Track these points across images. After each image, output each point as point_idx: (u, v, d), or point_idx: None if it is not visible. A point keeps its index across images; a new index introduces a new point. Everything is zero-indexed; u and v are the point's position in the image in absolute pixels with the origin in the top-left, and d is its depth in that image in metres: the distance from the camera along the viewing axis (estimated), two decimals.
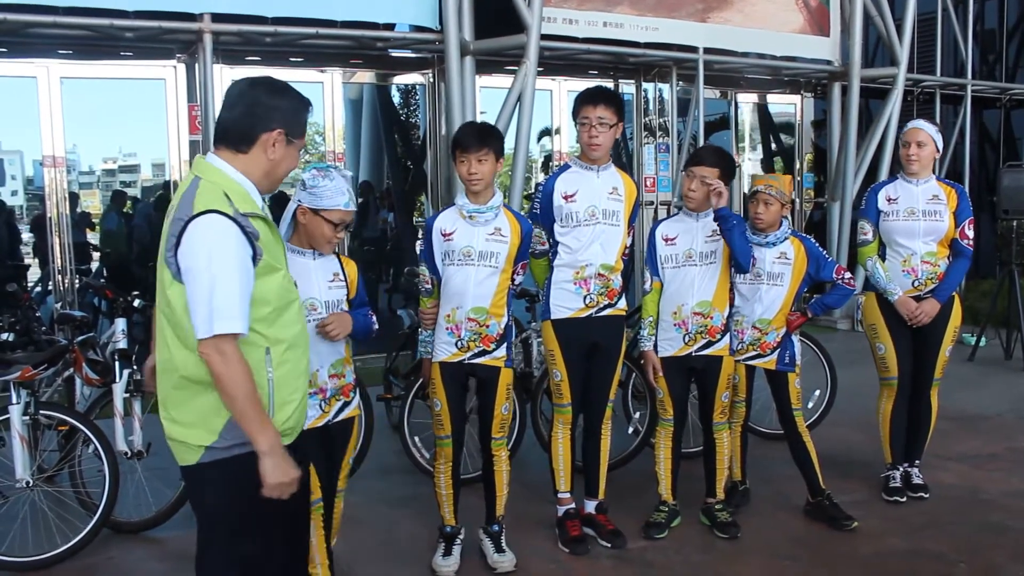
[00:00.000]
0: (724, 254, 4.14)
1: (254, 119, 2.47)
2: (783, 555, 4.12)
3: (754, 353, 4.40)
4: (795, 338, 4.46)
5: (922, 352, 4.71)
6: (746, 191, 5.51)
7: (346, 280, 3.42)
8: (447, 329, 3.81)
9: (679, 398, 4.31)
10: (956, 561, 4.01)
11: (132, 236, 9.29)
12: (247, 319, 2.38)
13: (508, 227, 3.81)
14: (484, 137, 3.74)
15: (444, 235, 3.80)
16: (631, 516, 4.42)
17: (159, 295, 2.47)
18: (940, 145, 4.67)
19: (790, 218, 4.41)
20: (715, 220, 4.04)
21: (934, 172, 4.72)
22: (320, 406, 3.31)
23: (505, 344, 3.87)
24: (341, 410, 3.38)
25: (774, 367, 4.39)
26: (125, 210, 9.41)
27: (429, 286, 3.90)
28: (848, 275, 4.41)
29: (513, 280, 3.89)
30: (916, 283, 4.59)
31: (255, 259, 2.41)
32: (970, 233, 4.58)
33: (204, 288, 2.32)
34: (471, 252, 3.75)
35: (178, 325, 2.40)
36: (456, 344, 3.80)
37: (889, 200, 4.65)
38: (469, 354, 3.82)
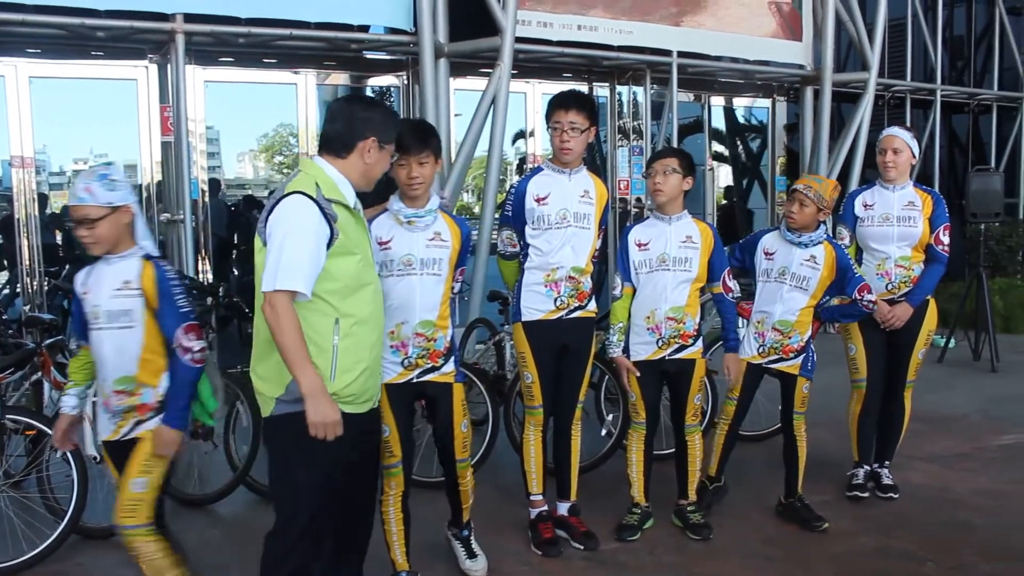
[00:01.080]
0: (699, 263, 4.17)
1: (352, 130, 2.93)
2: (756, 555, 4.15)
3: (776, 357, 4.40)
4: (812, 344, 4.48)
5: (895, 355, 4.78)
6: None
7: (141, 290, 3.03)
8: (392, 347, 3.50)
9: (652, 402, 4.32)
10: (925, 559, 4.05)
11: None
12: (310, 282, 2.77)
13: (448, 231, 3.60)
14: (425, 138, 3.49)
15: (380, 244, 3.50)
16: (604, 518, 4.44)
17: (256, 263, 2.87)
18: (916, 151, 4.75)
19: (827, 223, 4.44)
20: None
21: (910, 178, 4.79)
22: None
23: (453, 358, 3.67)
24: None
25: (797, 372, 4.40)
26: None
27: None
28: (870, 297, 4.37)
29: (452, 288, 3.70)
30: (889, 287, 4.65)
31: (332, 238, 2.82)
32: (945, 239, 4.63)
33: (275, 251, 2.75)
34: (412, 261, 3.51)
35: (259, 280, 2.80)
36: (403, 363, 3.54)
37: (865, 206, 4.71)
38: (417, 372, 3.56)
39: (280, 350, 2.75)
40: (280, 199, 2.83)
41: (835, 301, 4.48)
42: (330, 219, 2.82)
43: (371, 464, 3.28)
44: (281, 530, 2.97)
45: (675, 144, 9.45)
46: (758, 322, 4.44)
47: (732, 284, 4.27)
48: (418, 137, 3.47)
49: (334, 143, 2.96)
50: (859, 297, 4.34)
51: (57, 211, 9.67)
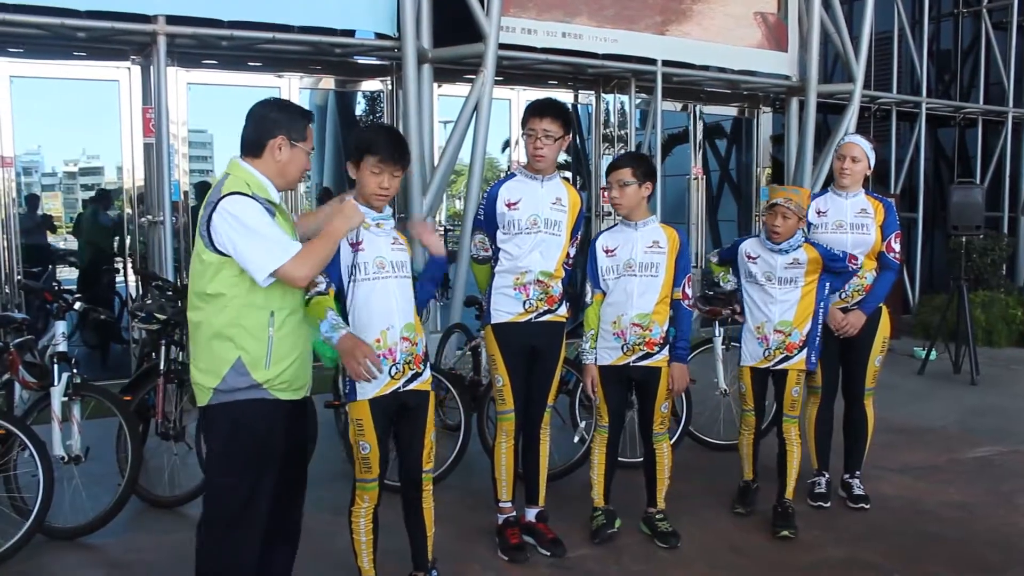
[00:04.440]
0: (666, 268, 4.16)
1: (261, 131, 3.09)
2: (722, 564, 4.14)
3: (782, 356, 4.44)
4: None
5: (852, 363, 4.80)
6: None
7: None
8: (380, 356, 3.30)
9: (615, 406, 4.32)
10: (891, 570, 4.05)
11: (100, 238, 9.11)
12: (293, 243, 2.98)
13: (399, 236, 3.49)
14: (404, 152, 3.40)
15: (352, 245, 3.33)
16: (573, 525, 4.43)
17: (192, 263, 3.06)
18: (873, 162, 4.77)
19: (805, 230, 4.48)
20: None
21: (865, 187, 4.81)
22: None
23: (428, 365, 3.54)
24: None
25: (804, 367, 4.46)
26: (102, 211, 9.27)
27: (323, 287, 3.29)
28: (857, 264, 4.49)
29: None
30: (843, 295, 4.68)
31: None
32: (896, 247, 4.69)
33: (243, 243, 2.91)
34: (384, 263, 3.36)
35: (210, 282, 2.97)
36: (391, 371, 3.35)
37: (819, 213, 4.74)
38: (403, 380, 3.40)
39: (326, 252, 3.07)
40: (219, 200, 2.95)
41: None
42: (269, 212, 3.00)
43: (301, 452, 3.38)
44: (214, 518, 3.12)
45: (659, 154, 9.49)
46: (757, 328, 4.49)
47: (691, 292, 4.26)
48: (399, 150, 3.39)
49: (249, 145, 3.11)
50: (853, 265, 4.45)
51: (49, 212, 9.64)
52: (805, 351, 4.44)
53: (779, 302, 4.41)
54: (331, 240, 3.10)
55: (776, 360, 4.46)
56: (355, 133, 3.51)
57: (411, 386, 3.44)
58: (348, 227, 3.16)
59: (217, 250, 2.96)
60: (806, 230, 4.51)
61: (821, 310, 4.47)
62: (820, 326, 4.47)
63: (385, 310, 3.35)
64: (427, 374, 3.51)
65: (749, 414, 4.62)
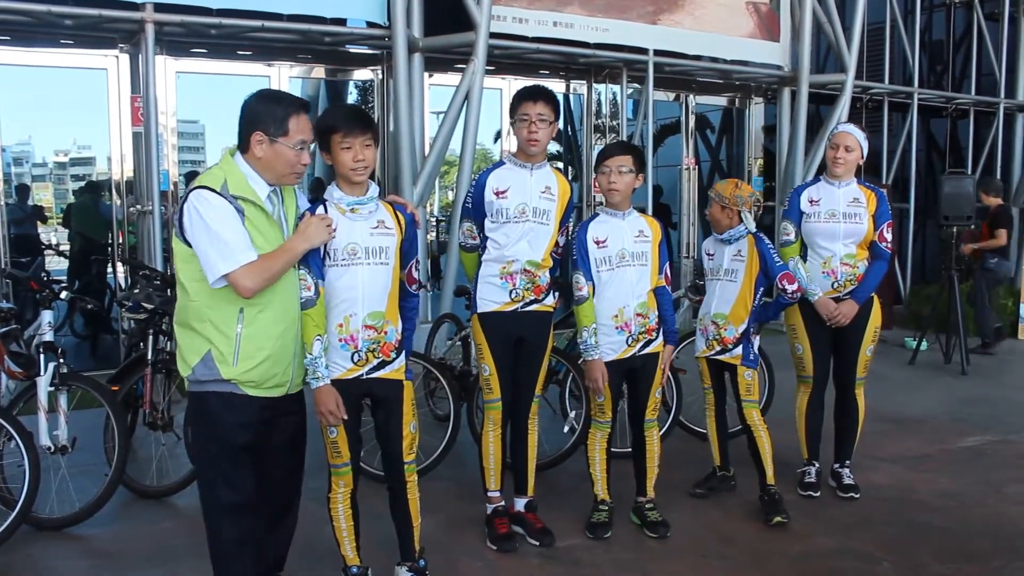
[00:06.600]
0: (652, 256, 4.17)
1: (245, 125, 3.02)
2: (712, 554, 4.13)
3: (719, 348, 4.53)
4: (756, 338, 4.57)
5: (843, 352, 4.80)
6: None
7: None
8: (341, 341, 3.30)
9: (616, 401, 4.31)
10: (881, 560, 4.04)
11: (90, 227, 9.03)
12: (250, 251, 2.91)
13: (390, 219, 3.39)
14: (367, 121, 3.32)
15: None
16: (563, 514, 4.42)
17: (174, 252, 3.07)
18: (866, 151, 4.76)
19: (749, 216, 4.43)
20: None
21: (857, 176, 4.80)
22: None
23: (404, 354, 3.46)
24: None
25: (739, 363, 4.49)
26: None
27: (311, 293, 3.21)
28: (792, 287, 4.36)
29: (418, 282, 3.57)
30: (835, 284, 4.66)
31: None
32: (888, 236, 4.69)
33: (203, 241, 2.89)
34: (356, 249, 3.29)
35: (180, 271, 3.00)
36: (353, 358, 3.33)
37: (811, 202, 4.73)
38: (367, 368, 3.35)
39: (280, 268, 3.01)
40: (188, 194, 2.96)
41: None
42: (239, 212, 2.94)
43: (294, 446, 3.37)
44: (204, 506, 3.18)
45: (651, 144, 9.47)
46: (701, 319, 4.63)
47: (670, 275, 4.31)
48: (361, 120, 3.31)
49: (239, 139, 3.05)
50: (781, 287, 4.37)
51: (40, 203, 9.57)
52: (740, 347, 4.48)
53: (717, 294, 4.52)
54: (287, 256, 3.04)
55: (715, 351, 4.56)
56: (315, 122, 3.31)
57: (377, 374, 3.38)
58: (307, 247, 3.10)
59: (186, 240, 2.94)
60: (750, 221, 4.43)
61: (755, 312, 4.48)
62: (755, 325, 4.51)
63: (349, 297, 3.30)
64: (397, 364, 3.43)
65: (708, 392, 4.75)
